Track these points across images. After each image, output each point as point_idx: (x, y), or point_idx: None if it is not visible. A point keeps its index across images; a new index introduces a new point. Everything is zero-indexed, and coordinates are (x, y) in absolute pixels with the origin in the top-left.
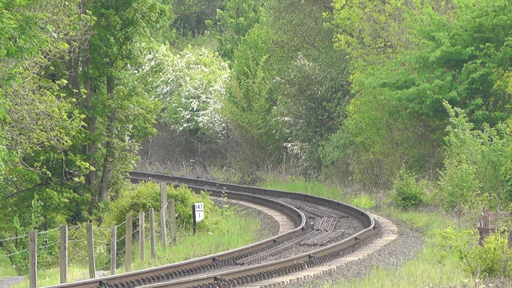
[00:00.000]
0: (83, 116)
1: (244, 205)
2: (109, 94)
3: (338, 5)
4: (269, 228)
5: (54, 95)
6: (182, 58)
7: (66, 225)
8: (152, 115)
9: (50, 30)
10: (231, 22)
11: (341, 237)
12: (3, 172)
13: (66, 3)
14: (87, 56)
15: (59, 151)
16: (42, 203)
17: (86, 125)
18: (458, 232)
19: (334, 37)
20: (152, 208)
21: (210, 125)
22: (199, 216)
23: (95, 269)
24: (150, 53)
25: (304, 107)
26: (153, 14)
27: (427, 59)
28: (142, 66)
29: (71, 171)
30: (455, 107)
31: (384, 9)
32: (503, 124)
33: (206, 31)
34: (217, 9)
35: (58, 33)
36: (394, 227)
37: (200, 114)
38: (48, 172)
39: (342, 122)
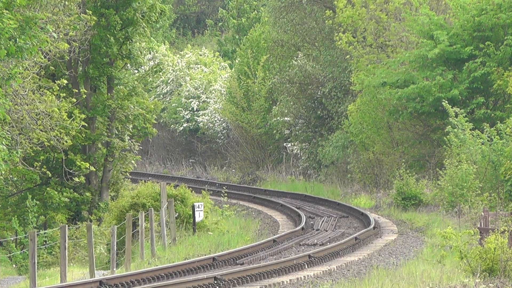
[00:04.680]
0: (83, 116)
1: (244, 205)
2: (109, 94)
3: (341, 4)
4: (269, 228)
5: (54, 95)
6: (182, 58)
7: (66, 225)
8: (152, 115)
9: (50, 30)
10: (233, 23)
11: (341, 237)
12: (3, 172)
13: (66, 3)
14: (87, 56)
15: (59, 151)
16: (37, 202)
17: (86, 125)
18: (458, 232)
19: (336, 35)
20: (152, 208)
21: (210, 125)
22: (199, 216)
23: (95, 269)
24: (150, 53)
25: (304, 107)
26: (153, 14)
27: (426, 58)
28: (142, 66)
29: (71, 171)
30: (455, 107)
31: (385, 8)
32: (502, 125)
33: (206, 31)
34: (220, 8)
35: (58, 33)
36: (394, 227)
37: (200, 114)
38: (48, 172)
39: (342, 122)
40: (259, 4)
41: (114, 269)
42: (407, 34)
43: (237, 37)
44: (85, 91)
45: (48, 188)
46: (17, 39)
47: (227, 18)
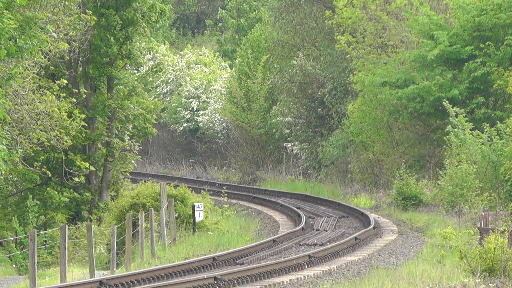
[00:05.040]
0: (83, 116)
1: (244, 205)
2: (109, 94)
3: (341, 4)
4: (269, 228)
5: (54, 95)
6: (182, 58)
7: (66, 225)
8: (152, 115)
9: (50, 30)
10: (232, 23)
11: (341, 237)
12: (3, 172)
13: (66, 3)
14: (87, 56)
15: (59, 151)
16: (38, 202)
17: (86, 125)
18: (458, 232)
19: (336, 36)
20: (152, 208)
21: (210, 125)
22: (199, 216)
23: (95, 269)
24: (149, 53)
25: (304, 106)
26: (153, 14)
27: (426, 58)
28: (142, 66)
29: (71, 171)
30: (455, 107)
31: (385, 8)
32: (502, 125)
33: (206, 31)
34: (219, 9)
35: (58, 33)
36: (394, 227)
37: (200, 114)
38: (48, 172)
39: (342, 122)
40: (258, 4)
41: (114, 269)
42: (407, 34)
43: (236, 37)
44: (85, 91)
45: (48, 188)
46: (17, 39)
47: (226, 19)
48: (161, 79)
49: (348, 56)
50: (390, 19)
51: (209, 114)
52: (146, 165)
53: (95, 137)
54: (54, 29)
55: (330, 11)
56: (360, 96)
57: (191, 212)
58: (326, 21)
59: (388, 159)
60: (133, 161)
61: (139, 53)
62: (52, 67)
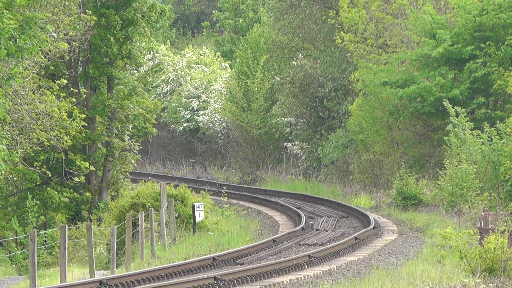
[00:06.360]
0: (83, 116)
1: (244, 205)
2: (109, 94)
3: (344, 4)
4: (269, 228)
5: (54, 95)
6: (183, 58)
7: (66, 225)
8: (152, 115)
9: (50, 30)
10: (229, 23)
11: (341, 237)
12: (3, 172)
13: (66, 3)
14: (87, 56)
15: (59, 151)
16: (37, 202)
17: (86, 125)
18: (458, 232)
19: (337, 34)
20: (152, 208)
21: (210, 125)
22: (199, 216)
23: (95, 269)
24: (149, 53)
25: (305, 106)
26: (153, 14)
27: (428, 57)
28: (142, 66)
29: (71, 170)
30: (456, 107)
31: (385, 8)
32: (502, 124)
33: (204, 31)
34: (213, 11)
35: (58, 33)
36: (394, 227)
37: (200, 114)
38: (48, 171)
39: (344, 121)
40: (256, 3)
41: (114, 269)
42: (409, 32)
43: (235, 37)
44: (85, 91)
45: (48, 188)
46: (17, 39)
47: (222, 20)
48: (161, 78)
49: (349, 54)
50: (393, 19)
51: (209, 114)
52: (146, 165)
53: (95, 137)
54: (54, 29)
55: (334, 11)
56: (360, 96)
57: (191, 212)
58: (328, 20)
59: (388, 159)
60: (133, 161)
61: (139, 53)
62: (52, 67)
